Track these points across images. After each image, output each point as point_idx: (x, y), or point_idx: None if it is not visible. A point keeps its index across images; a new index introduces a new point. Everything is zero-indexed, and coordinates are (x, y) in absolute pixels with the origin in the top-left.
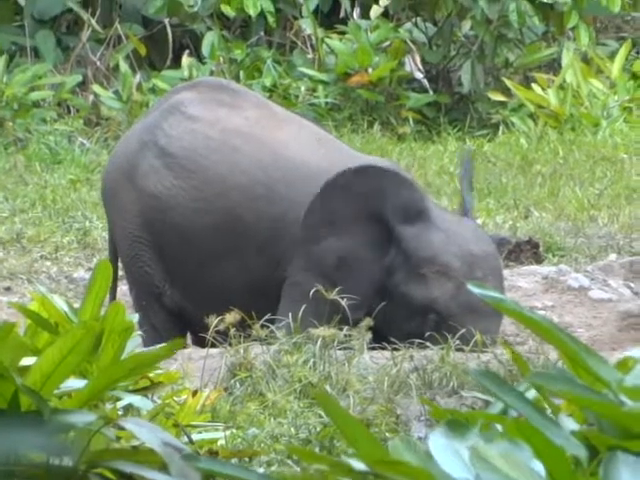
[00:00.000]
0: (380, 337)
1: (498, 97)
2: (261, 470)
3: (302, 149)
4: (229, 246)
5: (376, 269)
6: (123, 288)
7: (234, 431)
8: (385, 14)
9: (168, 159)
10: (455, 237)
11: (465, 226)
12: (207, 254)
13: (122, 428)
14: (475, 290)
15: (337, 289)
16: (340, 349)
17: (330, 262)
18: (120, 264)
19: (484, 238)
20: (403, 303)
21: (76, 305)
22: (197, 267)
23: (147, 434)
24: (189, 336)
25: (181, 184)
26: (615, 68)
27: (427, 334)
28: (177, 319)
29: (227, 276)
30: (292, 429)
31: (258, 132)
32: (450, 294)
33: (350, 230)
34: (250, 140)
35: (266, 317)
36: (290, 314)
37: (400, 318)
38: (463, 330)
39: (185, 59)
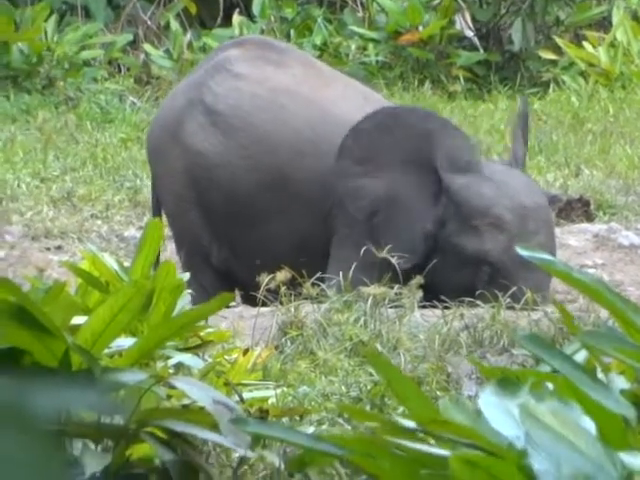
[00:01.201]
0: (431, 292)
1: (549, 55)
2: (311, 429)
3: (349, 107)
4: (276, 204)
5: (427, 218)
6: (173, 247)
7: (285, 389)
8: None
9: (215, 117)
10: (507, 189)
11: (516, 178)
12: (254, 212)
13: (173, 387)
14: (523, 252)
15: (385, 237)
16: (391, 307)
17: (371, 203)
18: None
19: (535, 190)
20: (455, 255)
21: (127, 264)
22: (244, 225)
23: (198, 393)
24: (238, 295)
25: (228, 142)
26: None
27: (478, 288)
28: (225, 278)
29: (274, 234)
30: (343, 387)
31: (305, 90)
32: (503, 246)
33: (393, 172)
34: (297, 98)
35: (317, 275)
36: (340, 271)
37: (451, 271)
38: (514, 288)
39: (236, 17)
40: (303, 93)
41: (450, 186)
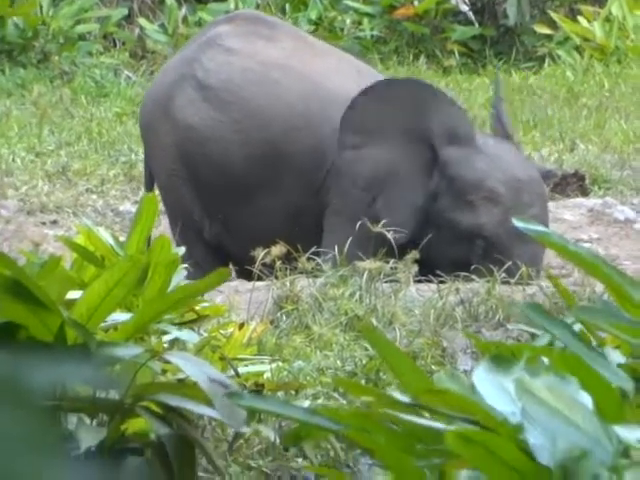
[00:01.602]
0: (426, 267)
1: (544, 30)
2: (307, 403)
3: (342, 80)
4: (268, 178)
5: (420, 192)
6: (167, 222)
7: (280, 364)
8: None
9: (206, 91)
10: (500, 162)
11: (509, 151)
12: (246, 186)
13: (168, 361)
14: (519, 224)
15: (380, 210)
16: (386, 282)
17: (368, 173)
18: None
19: (528, 163)
20: (449, 229)
21: (122, 238)
22: (236, 200)
23: (192, 368)
24: (233, 269)
25: (219, 116)
26: None
27: (473, 263)
28: (217, 253)
29: (267, 208)
30: (338, 362)
31: (296, 64)
32: (497, 220)
33: (390, 143)
34: (289, 72)
35: (312, 250)
36: (335, 245)
37: (446, 245)
38: (509, 263)
39: None
40: (295, 67)
41: (445, 159)
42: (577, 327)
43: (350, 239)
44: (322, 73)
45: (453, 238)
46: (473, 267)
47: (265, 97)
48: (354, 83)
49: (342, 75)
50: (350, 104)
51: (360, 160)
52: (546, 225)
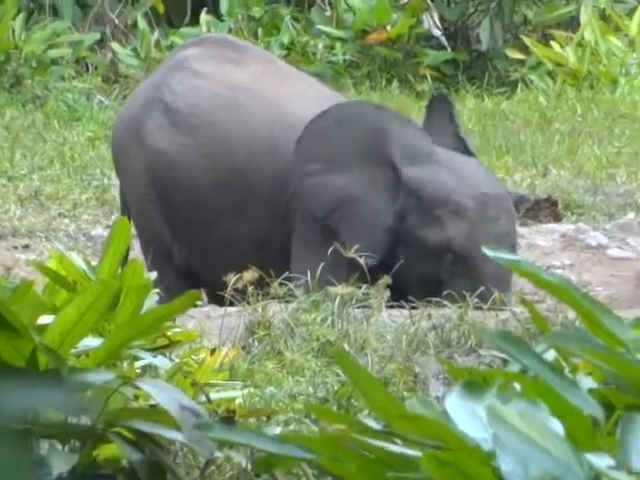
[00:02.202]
0: (396, 287)
1: (516, 55)
2: (278, 429)
3: (306, 106)
4: (234, 203)
5: (387, 213)
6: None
7: (252, 390)
8: None
9: (174, 116)
10: (466, 177)
11: (474, 166)
12: (213, 212)
13: (140, 388)
14: (489, 253)
15: (346, 235)
16: (358, 307)
17: (330, 200)
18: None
19: (493, 177)
20: (418, 247)
21: (94, 263)
22: (203, 225)
23: (164, 396)
24: (204, 295)
25: (186, 141)
26: (633, 25)
27: (443, 279)
28: (189, 278)
29: (233, 234)
30: (310, 388)
31: (263, 88)
32: (465, 233)
33: (350, 168)
34: (255, 96)
35: (284, 275)
36: (305, 270)
37: (416, 262)
38: (481, 286)
39: (203, 16)
40: (261, 92)
41: (408, 178)
42: (550, 353)
43: (322, 264)
44: (287, 98)
45: (422, 255)
46: (445, 290)
47: (231, 122)
48: (319, 109)
49: (307, 100)
50: (304, 130)
51: (320, 187)
52: (514, 238)
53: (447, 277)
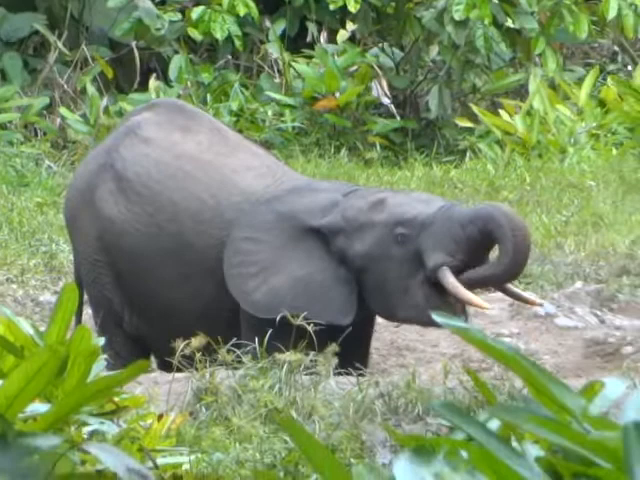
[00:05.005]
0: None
1: (465, 123)
2: None
3: (250, 176)
4: (180, 272)
5: (340, 280)
6: (89, 312)
7: (199, 455)
8: (352, 39)
9: (123, 183)
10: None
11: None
12: (159, 279)
13: (87, 452)
14: (439, 319)
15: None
16: (306, 374)
17: (286, 298)
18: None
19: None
20: (375, 262)
21: (42, 328)
22: (150, 293)
23: (111, 459)
24: (154, 360)
25: (134, 208)
26: (582, 95)
27: (401, 256)
28: (137, 344)
29: (179, 302)
30: (257, 454)
31: (209, 157)
32: (397, 201)
33: (283, 250)
34: (201, 166)
35: (232, 342)
36: (253, 337)
37: (385, 274)
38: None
39: (152, 82)
40: (207, 160)
41: (328, 228)
42: (496, 422)
43: (270, 331)
44: (232, 168)
45: (376, 246)
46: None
47: (177, 191)
48: (263, 179)
49: (252, 171)
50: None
51: (276, 286)
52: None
53: (406, 249)
